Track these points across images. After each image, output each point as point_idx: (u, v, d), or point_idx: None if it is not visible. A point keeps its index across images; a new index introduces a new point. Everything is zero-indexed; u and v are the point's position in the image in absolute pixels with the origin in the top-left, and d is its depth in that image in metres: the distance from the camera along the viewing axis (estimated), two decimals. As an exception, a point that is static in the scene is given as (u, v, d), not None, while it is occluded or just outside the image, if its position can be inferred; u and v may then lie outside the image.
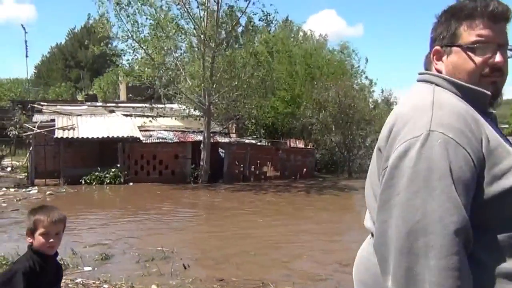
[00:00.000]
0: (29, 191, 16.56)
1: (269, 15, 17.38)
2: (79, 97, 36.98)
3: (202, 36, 17.56)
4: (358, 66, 23.46)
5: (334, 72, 23.33)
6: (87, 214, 13.28)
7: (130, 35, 16.96)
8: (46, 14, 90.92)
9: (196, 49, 18.23)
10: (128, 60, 18.29)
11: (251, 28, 17.77)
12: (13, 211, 13.35)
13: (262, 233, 10.99)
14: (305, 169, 20.99)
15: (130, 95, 20.28)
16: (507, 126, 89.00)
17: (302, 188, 18.04)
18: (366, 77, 23.18)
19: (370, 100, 22.78)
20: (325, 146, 22.65)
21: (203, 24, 17.58)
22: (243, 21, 18.69)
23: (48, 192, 16.10)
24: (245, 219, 12.80)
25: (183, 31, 17.20)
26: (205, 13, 17.30)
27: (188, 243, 9.91)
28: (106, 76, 39.47)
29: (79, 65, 53.89)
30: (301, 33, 30.03)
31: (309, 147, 21.74)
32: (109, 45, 19.00)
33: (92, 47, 18.25)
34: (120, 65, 19.12)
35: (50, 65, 56.97)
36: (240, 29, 19.18)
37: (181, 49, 18.42)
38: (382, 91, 22.46)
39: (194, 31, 17.64)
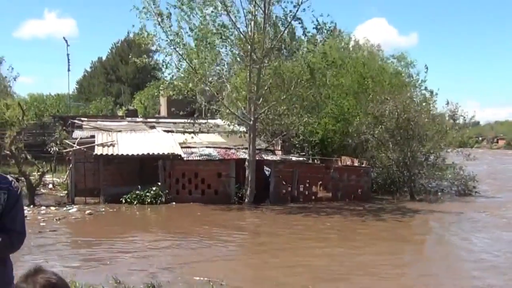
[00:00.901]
0: (69, 209, 16.55)
1: (325, 24, 16.83)
2: (120, 112, 37.57)
3: (248, 46, 17.18)
4: (418, 76, 22.33)
5: (389, 83, 22.33)
6: (128, 237, 13.01)
7: (173, 47, 16.78)
8: (87, 28, 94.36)
9: (241, 60, 17.81)
10: (170, 73, 18.09)
11: (304, 36, 17.20)
12: (51, 231, 13.25)
13: (318, 263, 10.28)
14: (360, 190, 20.03)
15: (173, 109, 20.04)
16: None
17: (359, 212, 17.12)
18: (426, 88, 22.03)
19: (433, 113, 21.50)
20: (381, 165, 21.59)
21: (249, 33, 17.21)
22: (297, 31, 18.23)
23: (87, 212, 16.00)
24: (298, 245, 12.12)
25: (228, 41, 16.87)
26: (252, 22, 16.93)
27: (237, 273, 9.35)
28: (147, 90, 40.05)
29: (120, 79, 55.20)
30: (352, 43, 29.30)
31: (363, 165, 20.75)
32: (151, 58, 18.83)
33: (135, 59, 18.16)
34: (162, 78, 18.98)
35: (91, 79, 58.71)
36: (289, 38, 18.59)
37: (225, 61, 18.08)
38: (448, 103, 21.23)
39: (240, 41, 17.27)
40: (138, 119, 26.39)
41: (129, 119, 26.13)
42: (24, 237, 2.96)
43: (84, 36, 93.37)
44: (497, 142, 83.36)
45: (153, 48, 17.30)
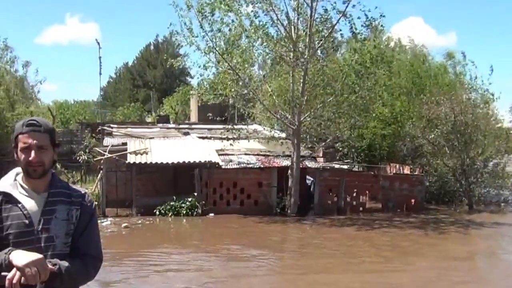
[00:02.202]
0: (103, 222, 16.27)
1: (374, 20, 16.18)
2: (149, 119, 37.68)
3: (291, 46, 16.70)
4: (475, 77, 21.28)
5: (448, 84, 21.40)
6: (167, 252, 12.65)
7: (213, 46, 16.39)
8: (111, 33, 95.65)
9: (285, 60, 17.31)
10: (208, 75, 17.69)
11: (353, 33, 16.54)
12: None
13: (383, 283, 9.63)
14: (413, 200, 19.20)
15: (209, 114, 19.67)
16: None
17: (416, 224, 16.34)
18: (487, 90, 20.95)
19: (495, 117, 20.50)
20: (435, 172, 20.68)
21: (293, 31, 16.72)
22: (343, 28, 17.61)
23: (124, 225, 15.72)
24: (354, 262, 11.48)
25: (273, 41, 16.38)
26: (297, 20, 16.45)
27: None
28: (177, 95, 40.10)
29: (147, 85, 55.61)
30: (392, 43, 28.49)
31: (416, 173, 19.91)
32: (183, 61, 18.50)
33: (170, 60, 17.89)
34: (199, 82, 18.54)
35: (117, 85, 59.39)
36: (339, 36, 18.02)
37: (267, 62, 17.63)
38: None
39: (285, 40, 16.78)
40: (170, 125, 26.21)
41: (161, 125, 25.98)
42: (100, 263, 2.53)
43: (108, 41, 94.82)
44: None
45: (191, 47, 16.85)
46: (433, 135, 19.61)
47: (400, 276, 10.45)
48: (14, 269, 2.11)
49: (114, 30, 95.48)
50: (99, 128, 23.50)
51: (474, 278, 10.72)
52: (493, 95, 21.40)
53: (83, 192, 2.55)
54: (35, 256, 2.15)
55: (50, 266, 2.20)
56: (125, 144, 20.14)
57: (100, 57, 36.67)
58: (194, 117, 34.38)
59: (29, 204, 2.37)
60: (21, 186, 2.40)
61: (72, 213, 2.43)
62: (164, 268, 11.10)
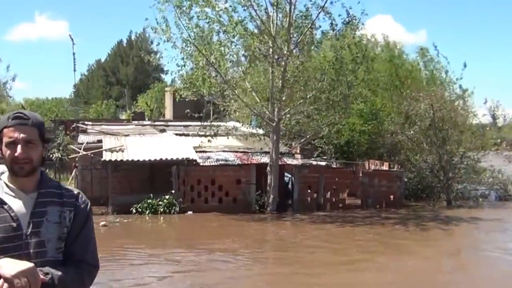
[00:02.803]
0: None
1: (355, 18, 16.02)
2: (123, 116, 36.89)
3: (270, 41, 16.40)
4: (447, 71, 21.37)
5: (425, 79, 21.43)
6: (146, 251, 12.21)
7: (191, 41, 15.94)
8: (81, 31, 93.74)
9: (264, 56, 16.99)
10: (187, 71, 17.22)
11: (333, 30, 16.35)
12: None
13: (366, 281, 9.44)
14: (392, 196, 19.16)
15: (188, 110, 19.21)
16: None
17: (398, 221, 16.27)
18: (460, 86, 21.11)
19: (471, 113, 20.64)
20: (413, 168, 20.70)
21: (272, 27, 16.43)
22: (322, 24, 17.38)
23: (101, 223, 15.16)
24: (340, 260, 11.26)
25: (251, 36, 16.03)
26: (276, 14, 16.14)
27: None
28: (151, 92, 39.41)
29: (121, 82, 54.58)
30: (364, 39, 28.45)
31: (395, 169, 19.88)
32: (160, 57, 17.95)
33: (148, 56, 17.39)
34: (174, 77, 18.12)
35: (90, 82, 58.12)
36: (319, 33, 17.76)
37: (246, 57, 17.29)
38: (486, 102, 20.32)
39: (264, 36, 16.47)
40: (145, 122, 25.62)
41: (136, 122, 25.37)
42: (96, 271, 2.23)
43: (78, 38, 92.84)
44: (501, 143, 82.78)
45: (168, 43, 16.33)
46: (412, 131, 19.61)
47: (385, 274, 10.28)
48: (1, 280, 1.84)
49: (84, 27, 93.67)
50: (74, 126, 22.77)
51: (460, 275, 10.64)
52: (467, 90, 21.58)
53: (76, 192, 2.23)
54: (25, 264, 1.88)
55: (41, 275, 1.92)
56: (100, 141, 19.58)
57: (74, 53, 35.76)
58: (169, 114, 33.79)
59: (17, 205, 2.07)
60: (7, 185, 2.12)
61: (65, 215, 2.13)
62: (145, 267, 10.70)
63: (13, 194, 2.09)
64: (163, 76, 56.76)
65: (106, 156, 18.06)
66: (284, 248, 13.17)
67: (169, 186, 18.01)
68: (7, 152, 2.06)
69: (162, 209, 17.40)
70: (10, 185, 2.11)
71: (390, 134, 20.47)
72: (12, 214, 2.04)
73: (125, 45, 59.57)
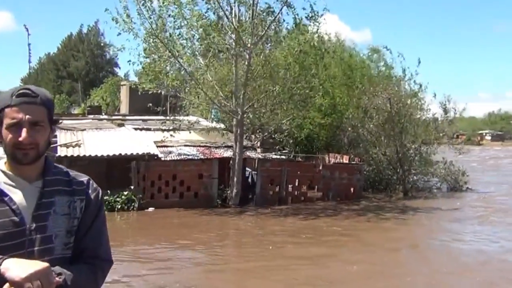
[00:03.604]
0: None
1: (317, 13, 15.88)
2: (76, 111, 35.48)
3: (233, 35, 16.02)
4: (408, 69, 21.73)
5: (379, 75, 21.72)
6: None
7: (153, 33, 15.30)
8: (26, 23, 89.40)
9: (227, 49, 16.58)
10: (149, 63, 16.52)
11: (295, 25, 16.14)
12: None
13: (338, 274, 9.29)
14: (352, 189, 19.25)
15: (149, 104, 18.52)
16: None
17: (360, 212, 16.32)
18: (415, 82, 21.46)
19: (425, 107, 21.03)
20: (372, 161, 20.93)
21: (235, 20, 16.04)
22: (286, 18, 17.17)
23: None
24: (305, 254, 11.08)
25: (214, 29, 15.58)
26: (238, 8, 15.78)
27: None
28: (105, 86, 38.09)
29: (72, 76, 52.62)
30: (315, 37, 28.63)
31: (354, 162, 20.00)
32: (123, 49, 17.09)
33: (113, 48, 16.67)
34: (135, 70, 17.43)
35: (39, 77, 55.67)
36: (283, 28, 17.50)
37: (208, 50, 16.80)
38: (435, 96, 20.73)
39: (226, 28, 16.06)
40: (102, 117, 24.65)
41: (92, 116, 24.35)
42: (110, 267, 1.93)
43: (23, 31, 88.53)
44: (458, 138, 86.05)
45: (130, 34, 15.59)
46: (371, 125, 19.79)
47: (350, 266, 10.18)
48: (6, 284, 1.54)
49: (30, 19, 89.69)
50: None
51: (419, 266, 10.68)
52: (421, 85, 21.96)
53: (86, 178, 1.90)
54: (37, 265, 1.57)
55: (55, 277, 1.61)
56: (55, 136, 18.58)
57: (29, 44, 33.79)
58: (124, 108, 32.75)
59: (18, 196, 1.74)
60: (5, 174, 1.77)
61: (75, 205, 1.82)
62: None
63: (14, 184, 1.75)
64: (116, 70, 55.24)
65: (62, 152, 17.14)
66: (248, 242, 12.86)
67: (127, 182, 17.32)
68: (8, 135, 1.71)
69: (119, 206, 16.72)
70: (10, 173, 1.77)
71: (350, 127, 20.59)
72: (14, 207, 1.71)
73: (74, 38, 57.53)
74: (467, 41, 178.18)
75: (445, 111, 20.63)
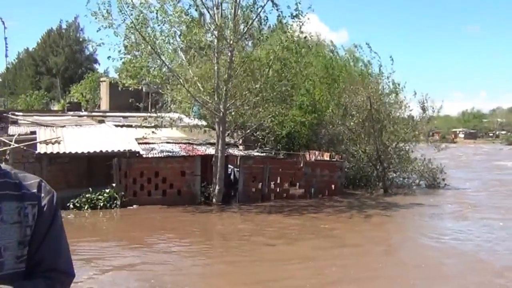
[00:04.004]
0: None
1: (301, 12, 15.67)
2: (55, 107, 34.61)
3: (216, 31, 15.71)
4: (384, 67, 21.75)
5: (360, 73, 21.69)
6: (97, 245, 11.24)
7: (134, 28, 14.87)
8: (2, 16, 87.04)
9: (210, 46, 16.25)
10: (129, 59, 16.07)
11: (279, 23, 15.91)
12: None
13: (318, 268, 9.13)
14: (333, 185, 19.16)
15: (131, 100, 18.06)
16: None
17: (343, 209, 16.22)
18: (393, 81, 21.48)
19: (403, 105, 21.04)
20: (352, 158, 20.89)
21: (217, 17, 15.74)
22: (270, 17, 16.93)
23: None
24: (290, 251, 10.89)
25: (196, 25, 15.23)
26: (221, 4, 15.48)
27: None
28: (85, 82, 37.25)
29: (51, 72, 51.42)
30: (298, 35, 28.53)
31: (335, 159, 19.91)
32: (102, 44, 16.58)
33: (92, 43, 16.18)
34: (116, 66, 16.94)
35: (18, 72, 54.26)
36: (267, 26, 17.25)
37: (190, 47, 16.45)
38: (415, 93, 20.72)
39: (208, 25, 15.75)
40: (82, 113, 24.03)
41: (72, 113, 23.72)
42: (71, 281, 1.67)
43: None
44: (433, 135, 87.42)
45: (111, 29, 15.11)
46: (352, 123, 19.73)
47: (338, 262, 10.05)
48: None
49: (9, 13, 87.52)
50: (3, 115, 20.87)
51: (407, 262, 10.62)
52: (399, 84, 21.97)
53: (37, 180, 1.65)
54: None
55: None
56: (33, 133, 18.00)
57: (5, 38, 32.80)
58: (104, 105, 32.06)
59: None
60: None
61: (27, 211, 1.57)
62: (92, 263, 9.80)
63: None
64: (96, 66, 54.24)
65: (41, 149, 16.60)
66: (232, 239, 12.61)
67: (109, 180, 16.89)
68: None
69: (102, 204, 16.29)
70: None
71: (331, 125, 20.50)
72: None
73: (53, 34, 56.27)
74: (442, 42, 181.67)
75: (424, 109, 20.69)
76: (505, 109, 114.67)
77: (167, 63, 15.92)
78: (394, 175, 21.28)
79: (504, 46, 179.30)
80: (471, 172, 29.76)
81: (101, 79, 32.08)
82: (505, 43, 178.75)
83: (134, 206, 16.34)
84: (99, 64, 55.17)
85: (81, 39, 53.27)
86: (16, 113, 22.49)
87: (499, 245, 11.69)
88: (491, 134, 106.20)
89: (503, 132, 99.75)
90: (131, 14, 14.85)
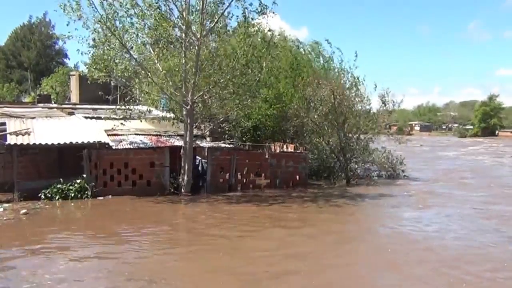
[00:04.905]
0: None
1: (266, 7, 15.52)
2: (26, 99, 33.52)
3: (184, 26, 15.45)
4: (346, 62, 21.96)
5: (323, 67, 21.76)
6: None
7: (104, 22, 14.43)
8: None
9: (178, 40, 15.98)
10: (98, 52, 15.61)
11: (245, 18, 15.71)
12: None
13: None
14: (298, 176, 19.21)
15: (101, 92, 17.57)
16: (471, 127, 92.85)
17: (309, 198, 16.26)
18: (352, 74, 21.60)
19: (365, 99, 21.20)
20: (316, 150, 20.99)
21: (185, 12, 15.47)
22: (236, 12, 16.73)
23: (22, 211, 13.45)
24: (259, 241, 10.86)
25: (164, 19, 14.93)
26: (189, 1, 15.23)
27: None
28: (55, 76, 36.19)
29: (22, 65, 49.80)
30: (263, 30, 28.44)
31: (299, 151, 19.95)
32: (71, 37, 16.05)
33: (61, 35, 15.61)
34: (86, 59, 16.47)
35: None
36: (233, 21, 17.03)
37: (158, 41, 16.10)
38: (376, 87, 20.88)
39: (177, 19, 15.46)
40: (52, 105, 23.31)
41: (42, 105, 22.97)
42: None
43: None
44: (390, 128, 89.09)
45: (79, 22, 14.62)
46: (316, 115, 19.79)
47: (310, 249, 10.08)
48: None
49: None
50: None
51: (375, 253, 10.72)
52: (358, 78, 22.09)
53: None
54: None
55: None
56: (3, 124, 17.37)
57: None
58: (75, 98, 31.25)
59: None
60: None
61: None
62: (64, 254, 9.52)
63: None
64: (66, 60, 52.83)
65: (11, 140, 16.04)
66: (199, 228, 12.44)
67: (79, 171, 16.46)
68: None
69: (73, 194, 15.89)
70: None
71: (295, 117, 20.50)
72: None
73: (25, 29, 54.48)
74: (396, 41, 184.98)
75: (384, 102, 20.92)
76: (457, 103, 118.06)
77: (135, 57, 15.56)
78: (356, 166, 21.46)
79: (452, 44, 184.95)
80: (423, 163, 30.50)
81: (71, 72, 31.20)
82: (453, 42, 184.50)
83: (107, 196, 15.98)
84: (69, 58, 53.86)
85: (51, 34, 51.76)
86: (-15, 105, 21.66)
87: (451, 233, 11.80)
88: (444, 127, 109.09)
89: (455, 125, 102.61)
90: (101, 6, 14.41)
